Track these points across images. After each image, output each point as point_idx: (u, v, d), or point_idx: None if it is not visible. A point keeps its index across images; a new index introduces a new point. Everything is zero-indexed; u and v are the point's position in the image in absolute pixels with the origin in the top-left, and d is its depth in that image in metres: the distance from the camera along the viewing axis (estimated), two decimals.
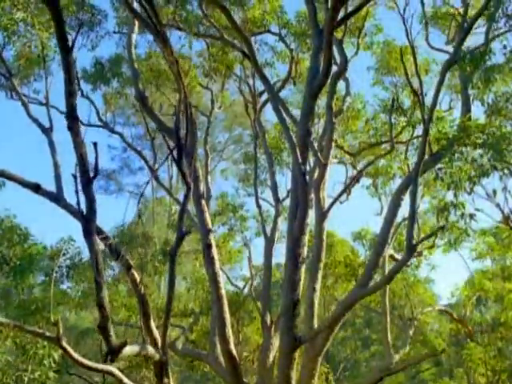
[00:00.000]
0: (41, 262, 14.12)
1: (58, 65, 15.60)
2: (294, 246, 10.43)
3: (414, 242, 8.93)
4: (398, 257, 15.19)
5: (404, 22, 14.20)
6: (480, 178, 11.39)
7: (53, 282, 12.43)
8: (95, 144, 6.15)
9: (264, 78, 11.11)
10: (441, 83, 9.99)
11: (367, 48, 19.18)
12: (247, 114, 17.04)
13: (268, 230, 15.17)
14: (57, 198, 9.78)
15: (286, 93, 21.84)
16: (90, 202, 6.22)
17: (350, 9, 12.16)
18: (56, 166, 10.48)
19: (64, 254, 14.19)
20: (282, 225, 16.79)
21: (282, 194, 16.94)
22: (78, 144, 6.07)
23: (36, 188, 9.52)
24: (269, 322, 13.00)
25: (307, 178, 10.19)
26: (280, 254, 16.55)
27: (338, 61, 13.64)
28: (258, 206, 15.66)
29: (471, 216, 11.55)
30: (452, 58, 10.55)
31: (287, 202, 18.48)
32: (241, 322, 16.45)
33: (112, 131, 16.70)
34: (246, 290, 18.95)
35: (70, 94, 5.94)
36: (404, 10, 14.10)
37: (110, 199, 32.94)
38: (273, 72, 17.26)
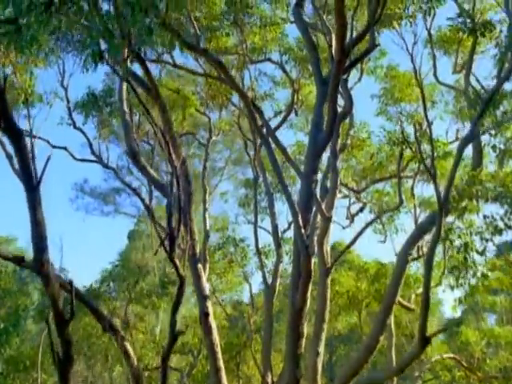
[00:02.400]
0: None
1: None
2: (295, 319, 9.81)
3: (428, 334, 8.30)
4: (406, 303, 14.58)
5: (412, 60, 13.62)
6: (492, 236, 10.81)
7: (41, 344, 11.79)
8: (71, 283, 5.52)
9: (260, 130, 10.41)
10: (457, 162, 9.32)
11: (371, 73, 18.58)
12: (246, 153, 16.38)
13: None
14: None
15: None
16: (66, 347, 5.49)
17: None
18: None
19: None
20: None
21: (282, 224, 16.45)
22: (51, 288, 5.44)
23: (19, 261, 8.89)
24: (270, 382, 12.41)
25: (310, 249, 9.51)
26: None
27: (343, 100, 13.00)
28: (259, 253, 14.99)
29: (485, 276, 10.95)
30: (469, 137, 9.90)
31: (289, 233, 18.14)
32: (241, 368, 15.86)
33: (106, 166, 16.06)
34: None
35: (36, 224, 5.27)
36: (412, 47, 13.43)
37: (107, 220, 32.30)
38: (273, 104, 16.64)
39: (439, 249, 16.15)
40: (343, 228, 20.72)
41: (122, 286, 17.04)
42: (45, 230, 5.39)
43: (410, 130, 17.88)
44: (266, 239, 18.29)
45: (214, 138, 18.44)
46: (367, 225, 13.64)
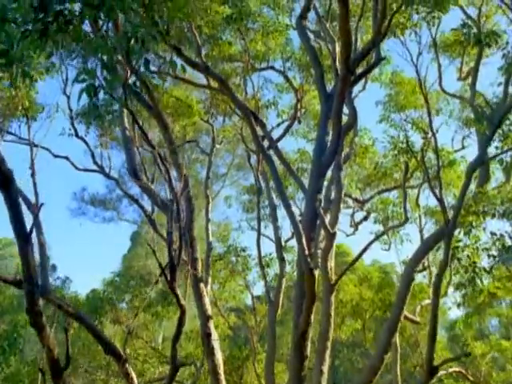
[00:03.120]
0: None
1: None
2: (299, 342, 9.61)
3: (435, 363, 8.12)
4: (412, 317, 14.37)
5: (417, 71, 13.37)
6: (501, 253, 10.61)
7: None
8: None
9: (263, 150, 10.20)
10: (466, 187, 9.10)
11: (375, 79, 18.39)
12: (249, 165, 16.18)
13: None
14: (43, 292, 8.96)
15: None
16: None
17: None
18: (44, 261, 9.60)
19: None
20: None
21: (286, 231, 16.29)
22: (45, 337, 5.26)
23: (18, 284, 8.74)
24: None
25: (315, 271, 9.31)
26: None
27: (347, 112, 12.79)
28: (261, 266, 14.79)
29: (492, 295, 10.75)
30: (477, 161, 9.68)
31: (292, 242, 17.93)
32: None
33: (108, 176, 15.87)
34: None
35: (29, 275, 5.00)
36: (417, 58, 13.19)
37: (108, 227, 32.18)
38: (277, 111, 16.42)
39: None
40: (347, 236, 20.65)
41: (124, 296, 16.87)
42: (37, 277, 5.17)
43: (414, 137, 17.75)
44: (269, 247, 18.14)
45: (217, 146, 18.26)
46: (373, 240, 13.43)
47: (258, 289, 19.69)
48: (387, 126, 17.57)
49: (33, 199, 10.84)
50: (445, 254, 8.68)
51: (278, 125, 16.26)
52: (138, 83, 11.34)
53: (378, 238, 14.13)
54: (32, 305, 4.96)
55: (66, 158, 15.81)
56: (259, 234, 15.14)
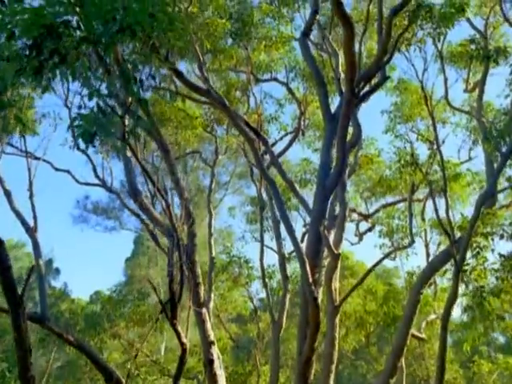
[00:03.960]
0: None
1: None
2: (303, 368, 9.41)
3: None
4: (417, 334, 14.16)
5: (422, 88, 13.17)
6: (509, 275, 10.38)
7: None
8: None
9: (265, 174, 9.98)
10: (475, 219, 8.86)
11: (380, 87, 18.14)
12: (252, 179, 15.97)
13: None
14: (41, 319, 8.81)
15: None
16: None
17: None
18: (42, 288, 9.40)
19: None
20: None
21: (289, 243, 16.02)
22: None
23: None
24: None
25: (319, 300, 9.10)
26: None
27: (352, 129, 12.58)
28: (265, 285, 14.58)
29: (501, 318, 10.55)
30: (488, 193, 9.46)
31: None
32: None
33: (110, 191, 15.69)
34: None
35: (21, 349, 4.63)
36: (422, 74, 12.98)
37: (110, 236, 31.91)
38: (279, 126, 16.21)
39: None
40: (351, 244, 20.46)
41: (124, 310, 16.70)
42: (29, 341, 4.93)
43: (420, 147, 17.55)
44: (273, 258, 17.92)
45: (220, 157, 18.09)
46: (378, 262, 13.20)
47: (261, 295, 19.43)
48: (392, 137, 17.45)
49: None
50: (453, 288, 8.47)
51: (281, 138, 16.05)
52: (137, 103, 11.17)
53: (382, 260, 13.91)
54: (25, 370, 4.76)
55: (68, 171, 15.67)
56: (262, 251, 14.97)
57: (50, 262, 49.15)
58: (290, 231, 9.05)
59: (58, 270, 50.94)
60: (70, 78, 6.20)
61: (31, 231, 10.23)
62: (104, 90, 6.20)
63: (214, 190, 20.14)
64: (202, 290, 10.71)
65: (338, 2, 7.50)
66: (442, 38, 12.79)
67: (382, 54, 9.65)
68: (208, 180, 19.87)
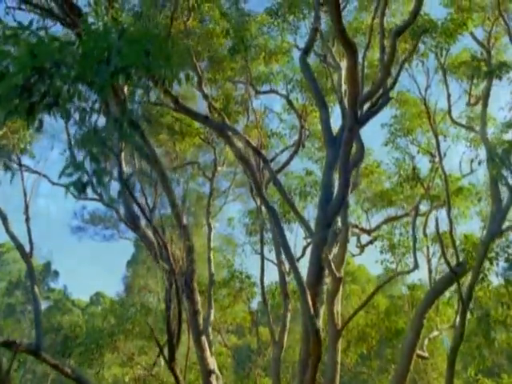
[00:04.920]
0: None
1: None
2: None
3: None
4: (420, 352, 13.94)
5: (425, 104, 12.96)
6: None
7: None
8: None
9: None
10: (482, 259, 8.65)
11: None
12: (252, 196, 15.75)
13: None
14: (36, 351, 8.60)
15: None
16: None
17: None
18: (37, 318, 9.15)
19: None
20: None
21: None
22: None
23: (10, 345, 8.38)
24: None
25: (321, 332, 8.88)
26: None
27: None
28: (266, 304, 14.35)
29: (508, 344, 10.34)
30: (495, 231, 9.24)
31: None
32: None
33: (107, 205, 15.42)
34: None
35: None
36: (425, 90, 12.77)
37: (109, 245, 31.60)
38: (279, 140, 16.02)
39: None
40: (353, 255, 20.24)
41: (123, 325, 16.48)
42: None
43: (421, 160, 17.33)
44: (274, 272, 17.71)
45: (219, 168, 17.87)
46: (382, 285, 12.99)
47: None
48: (393, 149, 17.25)
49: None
50: (460, 328, 8.27)
51: (282, 151, 15.83)
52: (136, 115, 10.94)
53: (385, 283, 13.71)
54: None
55: (65, 186, 15.41)
56: (262, 270, 14.72)
57: (48, 264, 48.98)
58: (292, 262, 8.85)
59: (56, 273, 50.78)
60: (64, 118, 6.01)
61: (27, 257, 10.00)
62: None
63: (213, 197, 19.92)
64: (201, 318, 10.50)
65: (340, 29, 7.27)
66: (444, 53, 12.58)
67: (385, 75, 9.43)
68: (207, 187, 19.68)
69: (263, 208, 15.80)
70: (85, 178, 5.44)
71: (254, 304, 18.00)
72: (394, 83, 9.38)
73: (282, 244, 9.40)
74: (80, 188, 5.26)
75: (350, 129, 8.40)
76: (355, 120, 8.32)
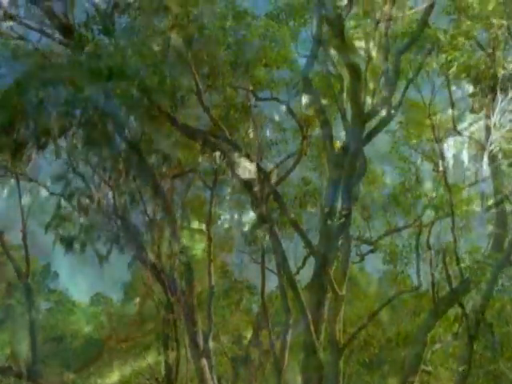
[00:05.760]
0: None
1: None
2: None
3: None
4: (424, 367, 13.81)
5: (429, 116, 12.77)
6: None
7: None
8: None
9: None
10: (492, 287, 8.47)
11: None
12: (252, 209, 15.52)
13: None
14: (33, 377, 8.45)
15: None
16: None
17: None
18: (34, 343, 8.98)
19: None
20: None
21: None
22: None
23: (5, 370, 8.24)
24: None
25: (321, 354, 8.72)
26: None
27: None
28: (267, 319, 14.20)
29: None
30: (504, 263, 9.07)
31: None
32: None
33: (108, 217, 15.26)
34: None
35: None
36: (429, 104, 12.56)
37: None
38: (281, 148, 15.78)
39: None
40: (353, 263, 20.05)
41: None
42: None
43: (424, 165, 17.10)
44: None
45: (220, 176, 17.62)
46: (389, 300, 12.85)
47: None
48: (396, 156, 17.02)
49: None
50: (468, 358, 8.11)
51: (282, 162, 15.61)
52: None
53: (390, 301, 13.58)
54: None
55: (63, 195, 15.28)
56: (263, 284, 14.56)
57: (47, 265, 48.84)
58: (294, 288, 8.69)
59: (56, 274, 50.68)
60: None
61: (23, 277, 9.82)
62: None
63: (215, 204, 19.65)
64: (200, 339, 10.34)
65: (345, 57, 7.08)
66: (450, 66, 12.37)
67: (390, 93, 9.23)
68: (208, 192, 19.39)
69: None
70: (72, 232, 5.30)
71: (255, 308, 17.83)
72: (399, 104, 9.16)
73: (283, 269, 9.24)
74: (68, 244, 5.12)
75: (353, 153, 8.21)
76: (360, 142, 8.14)
